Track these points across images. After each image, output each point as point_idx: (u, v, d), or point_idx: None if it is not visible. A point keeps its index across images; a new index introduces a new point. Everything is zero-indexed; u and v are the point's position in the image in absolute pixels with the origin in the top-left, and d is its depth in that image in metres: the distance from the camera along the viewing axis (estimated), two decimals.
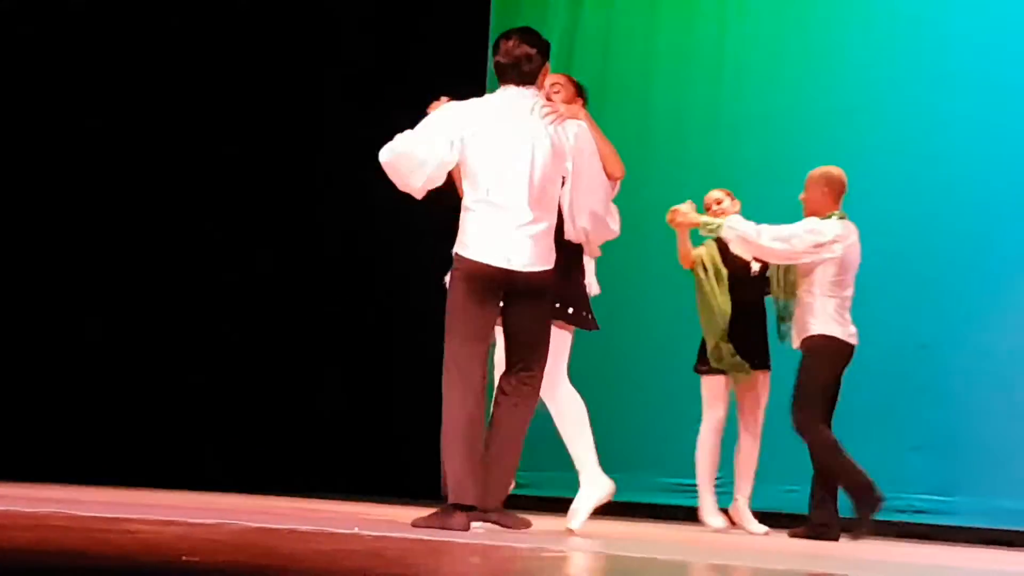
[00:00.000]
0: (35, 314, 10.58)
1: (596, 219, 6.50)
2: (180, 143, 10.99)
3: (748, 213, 9.73)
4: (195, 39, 11.05)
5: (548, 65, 6.32)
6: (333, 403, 11.25)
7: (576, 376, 10.21)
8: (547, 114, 6.22)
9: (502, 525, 6.24)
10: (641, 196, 10.33)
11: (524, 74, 6.22)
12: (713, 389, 8.67)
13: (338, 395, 11.27)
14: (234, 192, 11.12)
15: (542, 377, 6.33)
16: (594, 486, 6.62)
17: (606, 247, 10.42)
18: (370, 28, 11.42)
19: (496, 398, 6.31)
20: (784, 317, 8.25)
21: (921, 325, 9.52)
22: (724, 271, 8.70)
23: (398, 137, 6.20)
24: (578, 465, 6.67)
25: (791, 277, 8.17)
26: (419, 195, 6.31)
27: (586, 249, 6.73)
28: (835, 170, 8.20)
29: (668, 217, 8.30)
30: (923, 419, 9.39)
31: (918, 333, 9.51)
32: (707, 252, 8.75)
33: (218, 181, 11.07)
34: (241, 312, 11.16)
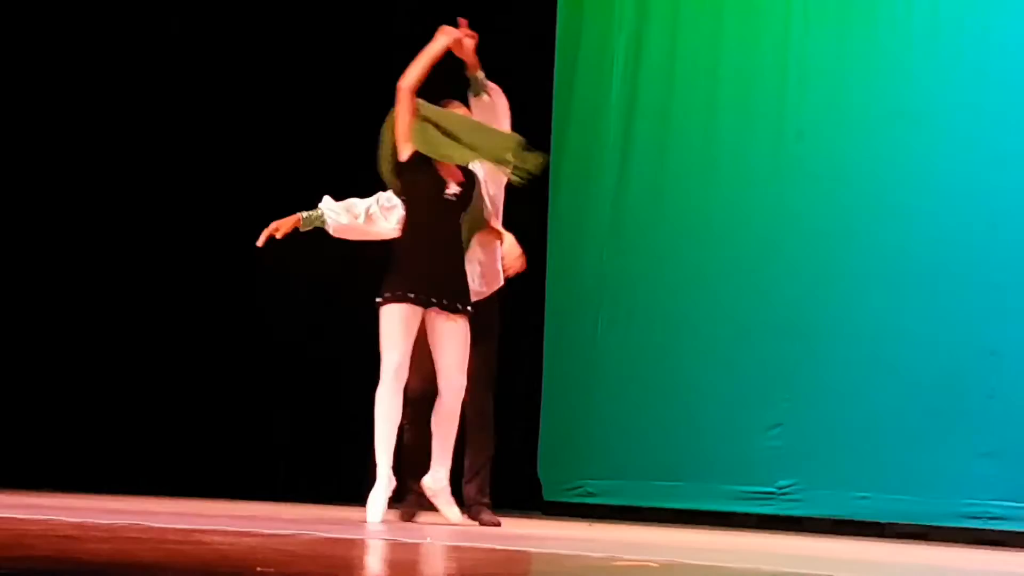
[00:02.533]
0: (95, 325, 10.64)
1: None
2: (165, 162, 10.96)
3: (813, 218, 9.70)
4: (186, 50, 11.04)
5: None
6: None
7: (645, 383, 10.24)
8: None
9: None
10: (706, 210, 10.31)
11: None
12: None
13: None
14: (225, 202, 11.10)
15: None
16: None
17: (672, 259, 10.42)
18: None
19: None
20: None
21: (991, 331, 9.42)
22: None
23: None
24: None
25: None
26: None
27: None
28: None
29: None
30: (995, 425, 9.29)
31: (988, 339, 9.41)
32: None
33: (207, 196, 11.06)
34: (288, 323, 11.14)
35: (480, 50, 11.21)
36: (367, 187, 7.52)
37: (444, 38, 7.21)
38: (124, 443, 10.51)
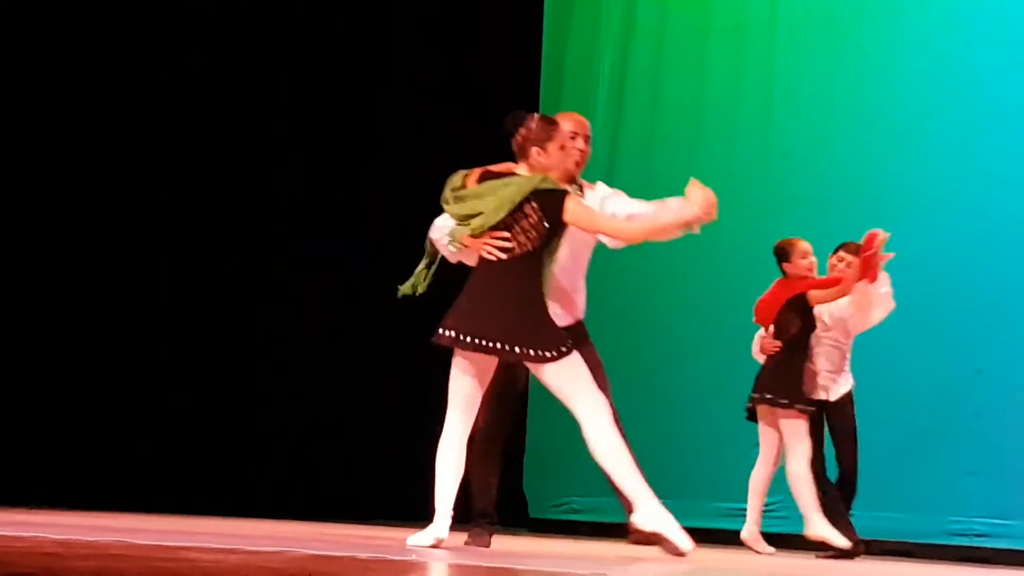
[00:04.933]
0: (83, 342, 10.60)
1: None
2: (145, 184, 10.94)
3: (799, 237, 9.71)
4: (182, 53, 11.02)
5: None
6: (374, 429, 11.15)
7: (632, 401, 10.23)
8: None
9: None
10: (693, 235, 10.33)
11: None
12: None
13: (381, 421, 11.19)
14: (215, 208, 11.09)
15: None
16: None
17: (659, 278, 10.41)
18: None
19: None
20: None
21: (976, 350, 9.44)
22: None
23: None
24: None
25: None
26: None
27: None
28: None
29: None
30: (980, 443, 9.31)
31: (974, 358, 9.43)
32: None
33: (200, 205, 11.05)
34: (290, 340, 11.12)
35: (465, 69, 11.26)
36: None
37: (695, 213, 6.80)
38: (110, 460, 10.47)
